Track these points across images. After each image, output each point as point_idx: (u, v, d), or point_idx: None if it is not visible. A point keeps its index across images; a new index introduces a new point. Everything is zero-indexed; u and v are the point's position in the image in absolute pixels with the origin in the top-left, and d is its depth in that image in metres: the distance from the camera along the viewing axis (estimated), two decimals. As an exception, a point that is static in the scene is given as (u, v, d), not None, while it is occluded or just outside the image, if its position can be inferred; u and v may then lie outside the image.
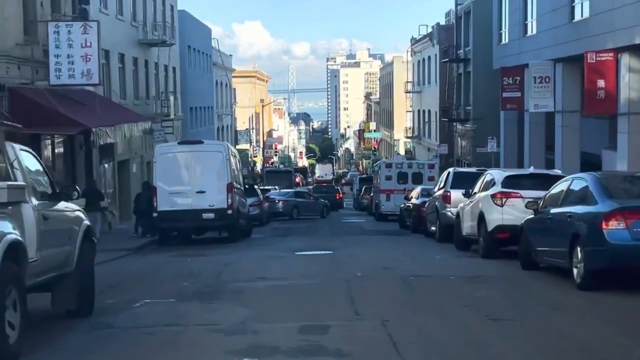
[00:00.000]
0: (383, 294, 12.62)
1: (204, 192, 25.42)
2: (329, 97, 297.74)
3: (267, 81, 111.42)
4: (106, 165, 35.12)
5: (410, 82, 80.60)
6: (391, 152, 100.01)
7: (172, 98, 42.87)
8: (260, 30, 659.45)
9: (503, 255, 18.09)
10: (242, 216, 27.76)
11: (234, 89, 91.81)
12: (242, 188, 28.91)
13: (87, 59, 25.61)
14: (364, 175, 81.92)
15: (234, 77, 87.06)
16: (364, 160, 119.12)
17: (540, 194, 17.38)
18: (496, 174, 18.92)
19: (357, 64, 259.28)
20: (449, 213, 24.00)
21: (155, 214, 25.38)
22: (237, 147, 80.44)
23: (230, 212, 25.48)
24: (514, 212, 17.67)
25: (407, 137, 79.50)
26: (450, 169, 25.34)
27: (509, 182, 18.24)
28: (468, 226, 20.08)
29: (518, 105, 40.93)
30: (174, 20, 48.84)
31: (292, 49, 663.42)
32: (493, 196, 18.09)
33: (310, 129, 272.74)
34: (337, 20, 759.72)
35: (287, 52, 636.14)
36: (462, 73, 53.51)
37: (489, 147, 36.81)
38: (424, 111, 71.22)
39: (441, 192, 25.00)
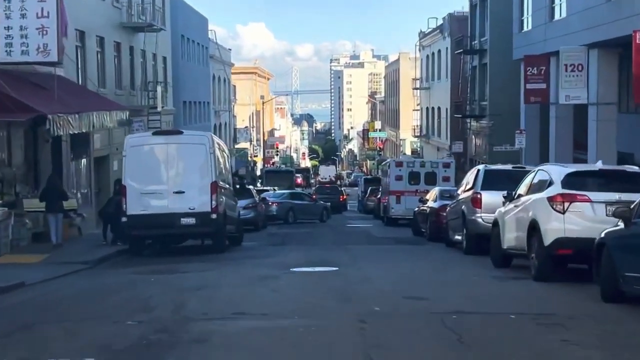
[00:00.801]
0: (417, 349, 8.13)
1: (183, 192, 20.96)
2: (332, 98, 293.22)
3: (268, 79, 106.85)
4: (81, 162, 30.69)
5: (417, 79, 76.11)
6: (397, 152, 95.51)
7: (159, 89, 38.38)
8: (264, 32, 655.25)
9: (561, 276, 13.61)
10: (230, 221, 23.29)
11: (234, 86, 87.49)
12: (231, 188, 24.42)
13: (44, 32, 21.11)
14: (369, 176, 77.43)
15: (234, 73, 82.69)
16: (369, 161, 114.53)
17: (612, 196, 12.97)
18: (553, 171, 14.27)
19: (361, 65, 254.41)
20: (480, 220, 19.53)
21: (124, 219, 20.91)
22: (236, 146, 76.10)
23: (214, 216, 21.00)
24: (580, 220, 13.15)
25: (415, 136, 74.95)
26: (480, 167, 20.77)
27: (571, 181, 13.65)
28: (512, 238, 15.56)
29: (543, 98, 36.48)
30: (165, 4, 44.31)
31: (295, 51, 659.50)
32: (551, 199, 13.49)
33: (313, 130, 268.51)
34: (340, 22, 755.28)
35: (291, 54, 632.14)
36: (477, 65, 49.00)
37: (517, 143, 32.28)
38: (433, 108, 66.74)
39: (468, 194, 20.51)
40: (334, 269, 16.38)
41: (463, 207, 20.63)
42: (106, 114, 25.52)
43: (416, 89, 72.60)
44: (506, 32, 43.42)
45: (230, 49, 74.14)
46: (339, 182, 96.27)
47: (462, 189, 22.27)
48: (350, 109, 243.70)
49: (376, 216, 48.85)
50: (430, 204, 27.56)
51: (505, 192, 16.25)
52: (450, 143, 57.77)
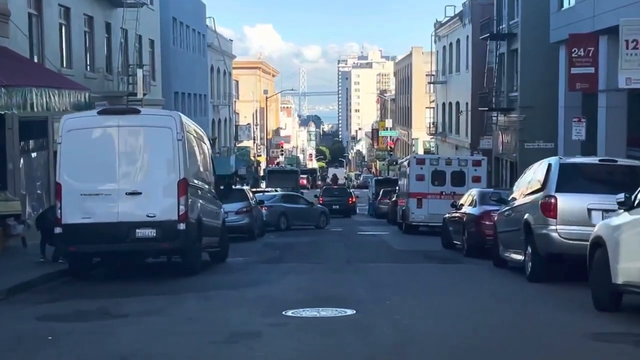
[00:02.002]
0: None
1: (140, 193, 15.04)
2: (340, 99, 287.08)
3: (274, 75, 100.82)
4: (36, 155, 24.86)
5: (431, 75, 70.08)
6: (408, 152, 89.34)
7: (140, 73, 32.42)
8: (272, 33, 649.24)
9: None
10: (209, 231, 17.37)
11: (236, 81, 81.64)
12: (212, 189, 18.43)
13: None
14: (380, 177, 71.38)
15: (236, 68, 76.88)
16: (378, 162, 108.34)
17: None
18: None
19: (369, 65, 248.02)
20: (554, 234, 13.65)
21: (57, 230, 14.98)
22: (238, 144, 70.17)
23: (182, 226, 15.05)
24: None
25: (430, 134, 68.83)
26: (552, 160, 14.70)
27: None
28: (636, 269, 9.58)
29: (591, 85, 30.51)
30: (151, -22, 38.46)
31: (303, 52, 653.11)
32: None
33: (321, 132, 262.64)
34: (348, 23, 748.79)
35: (298, 56, 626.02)
36: (506, 52, 42.97)
37: (574, 134, 26.12)
38: (450, 104, 60.68)
39: (534, 197, 14.53)
40: (350, 312, 10.40)
41: (527, 216, 14.64)
42: (53, 92, 19.59)
43: (432, 83, 66.45)
44: (540, 12, 37.45)
45: (231, 40, 68.28)
46: (337, 183, 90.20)
47: (520, 191, 16.29)
48: (358, 110, 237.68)
49: (390, 221, 42.91)
50: (467, 209, 21.57)
51: (621, 196, 10.23)
52: (471, 140, 51.75)
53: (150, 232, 14.96)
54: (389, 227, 39.18)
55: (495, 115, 43.56)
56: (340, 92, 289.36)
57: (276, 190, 47.50)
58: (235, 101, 71.54)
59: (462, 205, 22.64)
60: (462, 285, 14.06)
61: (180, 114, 15.95)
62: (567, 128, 35.20)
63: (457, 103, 57.79)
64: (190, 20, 49.67)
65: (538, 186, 14.68)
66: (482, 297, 12.37)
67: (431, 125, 68.69)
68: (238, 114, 79.31)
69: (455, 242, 22.75)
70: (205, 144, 18.64)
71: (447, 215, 23.97)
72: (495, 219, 17.87)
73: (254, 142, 79.07)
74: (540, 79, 39.55)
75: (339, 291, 12.55)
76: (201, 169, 17.48)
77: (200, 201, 16.59)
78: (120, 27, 33.22)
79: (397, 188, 40.77)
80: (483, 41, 50.33)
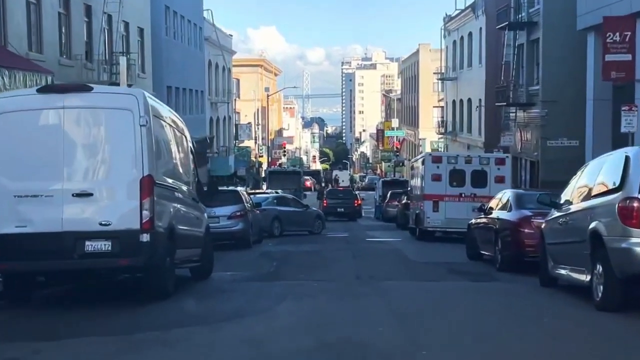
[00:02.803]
0: None
1: (90, 194, 11.49)
2: (344, 101, 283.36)
3: (276, 74, 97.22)
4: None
5: (438, 73, 66.54)
6: (415, 152, 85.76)
7: (123, 61, 28.91)
8: (275, 36, 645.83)
9: None
10: (187, 242, 13.83)
11: (237, 80, 78.14)
12: (192, 190, 14.82)
13: None
14: (387, 178, 67.79)
15: (237, 65, 73.45)
16: (383, 164, 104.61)
17: None
18: None
19: (374, 66, 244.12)
20: (639, 250, 10.08)
21: (-15, 242, 11.45)
22: (239, 144, 66.64)
23: (146, 237, 11.49)
24: None
25: (439, 134, 65.20)
26: (631, 151, 11.11)
27: None
28: None
29: (628, 73, 27.21)
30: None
31: (306, 55, 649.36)
32: None
33: (324, 134, 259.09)
34: (351, 26, 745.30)
35: (302, 58, 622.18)
36: (525, 43, 39.36)
37: (624, 126, 22.29)
38: (461, 101, 57.11)
39: (607, 200, 10.95)
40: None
41: (595, 224, 11.02)
42: (4, 72, 16.06)
43: (441, 79, 62.83)
44: (565, -3, 34.17)
45: (231, 35, 64.74)
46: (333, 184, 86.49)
47: (578, 192, 12.69)
48: (362, 112, 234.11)
49: (400, 225, 39.35)
50: (499, 214, 17.96)
51: None
52: (484, 138, 48.19)
53: (103, 245, 11.40)
54: (399, 232, 35.60)
55: (514, 111, 39.94)
56: (344, 93, 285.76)
57: (277, 192, 44.01)
58: (235, 99, 68.00)
59: (491, 209, 19.06)
60: (514, 320, 10.47)
61: (146, 93, 12.33)
62: (597, 123, 31.71)
63: (469, 100, 54.23)
64: (186, 10, 46.15)
65: (611, 185, 11.09)
66: (550, 341, 8.78)
67: (440, 125, 65.13)
68: (239, 113, 75.80)
69: (483, 252, 19.17)
70: (185, 137, 15.06)
71: (473, 221, 20.37)
72: (543, 226, 14.26)
73: (256, 143, 75.55)
74: (564, 71, 36.01)
75: (354, 331, 8.97)
76: (178, 166, 13.91)
77: (174, 205, 13.03)
78: (102, 11, 29.73)
79: (408, 189, 37.22)
80: (497, 33, 46.77)
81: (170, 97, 41.97)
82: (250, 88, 79.21)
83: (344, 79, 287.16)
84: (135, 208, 11.53)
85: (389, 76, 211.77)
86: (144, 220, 11.54)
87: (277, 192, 41.76)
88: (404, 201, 38.71)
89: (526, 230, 16.34)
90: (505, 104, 39.77)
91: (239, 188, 26.12)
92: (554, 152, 36.70)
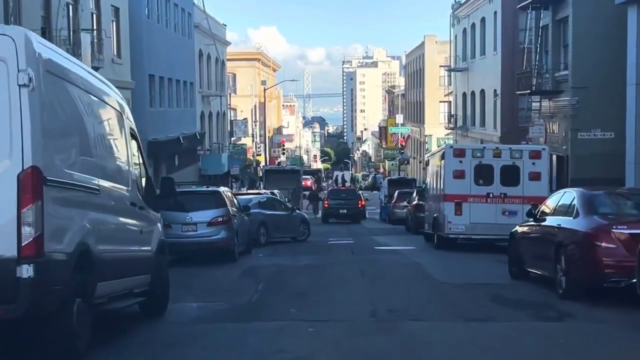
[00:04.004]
0: None
1: None
2: (345, 100, 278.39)
3: (275, 70, 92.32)
4: None
5: (448, 66, 61.83)
6: (421, 150, 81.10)
7: (87, 38, 24.20)
8: (276, 36, 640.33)
9: None
10: (124, 268, 9.21)
11: (233, 75, 73.43)
12: (129, 191, 10.05)
13: None
14: (394, 177, 63.06)
15: (233, 59, 68.75)
16: (387, 162, 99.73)
17: None
18: None
19: (375, 64, 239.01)
20: None
21: None
22: (234, 141, 61.95)
23: (27, 271, 6.87)
24: None
25: (449, 129, 60.41)
26: None
27: None
28: None
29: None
30: None
31: (307, 55, 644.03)
32: None
33: (325, 133, 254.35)
34: (352, 26, 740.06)
35: (302, 58, 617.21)
36: (550, 23, 34.63)
37: None
38: (473, 93, 52.36)
39: None
40: None
41: None
42: None
43: (450, 70, 57.99)
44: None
45: (225, 25, 59.93)
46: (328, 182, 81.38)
47: None
48: (364, 110, 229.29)
49: (411, 229, 34.70)
50: (560, 221, 13.20)
51: None
52: (500, 132, 43.50)
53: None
54: (410, 237, 30.90)
55: (538, 100, 35.18)
56: (345, 93, 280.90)
57: (273, 193, 39.32)
58: (229, 93, 63.26)
59: (544, 214, 14.34)
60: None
61: (32, 34, 7.58)
62: (638, 112, 27.17)
63: (482, 91, 49.49)
64: (172, -7, 41.49)
65: None
66: None
67: (449, 119, 60.40)
68: (235, 109, 71.11)
69: (532, 270, 14.47)
70: (123, 116, 10.36)
71: (518, 230, 15.62)
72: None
73: (253, 141, 70.82)
74: (598, 53, 31.42)
75: None
76: (104, 156, 9.18)
77: (93, 215, 8.33)
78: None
79: (422, 187, 32.50)
80: (515, 17, 42.22)
81: (153, 87, 37.29)
82: (247, 83, 74.45)
83: (344, 77, 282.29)
84: (8, 223, 6.88)
85: (391, 74, 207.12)
86: (24, 243, 6.90)
87: (272, 193, 37.14)
88: (415, 202, 34.04)
89: (604, 245, 11.65)
90: (528, 91, 35.00)
91: (222, 188, 21.34)
92: (586, 146, 32.07)
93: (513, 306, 11.92)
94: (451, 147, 23.72)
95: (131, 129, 10.56)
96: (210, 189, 21.17)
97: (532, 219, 14.82)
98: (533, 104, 35.98)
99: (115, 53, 31.53)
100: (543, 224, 14.09)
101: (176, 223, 19.63)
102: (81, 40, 24.12)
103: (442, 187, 23.43)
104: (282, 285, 14.62)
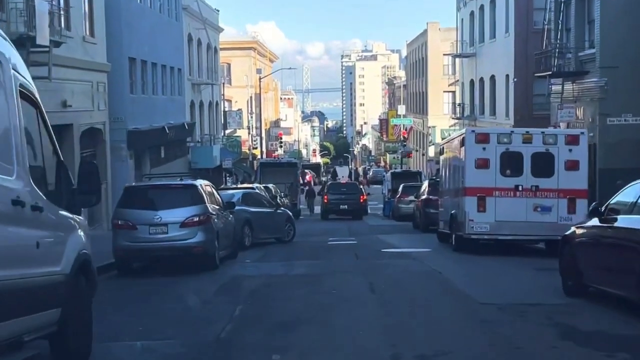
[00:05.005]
0: None
1: None
2: (344, 94, 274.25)
3: (272, 60, 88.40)
4: None
5: (453, 54, 58.07)
6: (424, 142, 77.44)
7: (44, 7, 20.44)
8: (275, 31, 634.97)
9: None
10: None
11: (228, 65, 69.69)
12: (24, 184, 6.40)
13: None
14: (397, 170, 59.37)
15: (228, 48, 65.05)
16: (388, 155, 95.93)
17: None
18: None
19: (374, 57, 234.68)
20: None
21: None
22: (228, 133, 58.22)
23: None
24: None
25: (455, 118, 56.66)
26: None
27: None
28: None
29: None
30: None
31: (306, 50, 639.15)
32: None
33: (325, 128, 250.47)
34: (351, 21, 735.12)
35: (301, 53, 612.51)
36: (573, -3, 30.92)
37: None
38: (481, 80, 48.63)
39: None
40: None
41: None
42: None
43: (457, 56, 54.16)
44: None
45: (217, 10, 56.12)
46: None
47: None
48: (363, 104, 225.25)
49: (417, 226, 31.14)
50: (645, 222, 9.54)
51: None
52: (514, 121, 39.76)
53: None
54: (420, 236, 27.28)
55: (560, 83, 31.42)
56: (344, 87, 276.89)
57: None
58: (223, 83, 59.48)
59: (613, 211, 10.66)
60: None
61: None
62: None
63: (492, 77, 45.76)
64: (155, -31, 37.70)
65: None
66: None
67: (455, 109, 56.67)
68: (230, 101, 67.34)
69: (597, 286, 10.81)
70: (14, 72, 6.62)
71: (576, 231, 11.90)
72: None
73: (249, 133, 67.08)
74: (627, 30, 27.81)
75: None
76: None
77: None
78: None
79: (434, 179, 28.79)
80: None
81: (135, 72, 33.52)
82: (243, 73, 70.67)
83: (344, 71, 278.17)
84: None
85: (391, 67, 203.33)
86: None
87: (247, 188, 33.49)
88: (424, 196, 30.38)
89: None
90: (549, 73, 31.23)
91: (199, 182, 17.55)
92: (616, 132, 28.37)
93: (594, 345, 8.23)
94: (473, 131, 19.93)
95: (23, 87, 6.83)
96: (184, 182, 17.38)
97: (596, 218, 11.12)
98: (554, 87, 32.24)
99: (87, 32, 27.80)
100: (616, 225, 10.40)
101: (142, 224, 15.97)
102: (36, 9, 20.33)
103: (461, 178, 19.72)
104: (267, 309, 10.90)
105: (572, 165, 18.97)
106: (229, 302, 11.71)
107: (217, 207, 17.86)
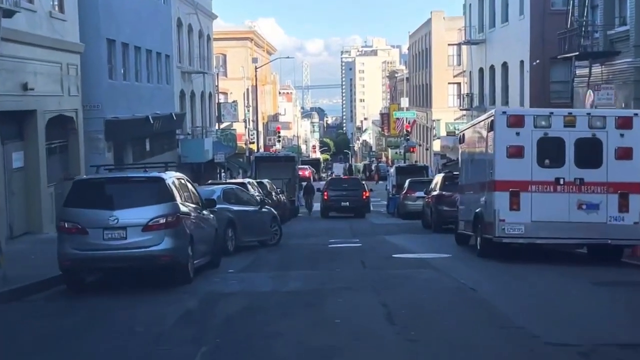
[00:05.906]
0: None
1: None
2: (344, 90, 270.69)
3: (270, 53, 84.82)
4: None
5: (456, 43, 54.62)
6: (427, 136, 73.99)
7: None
8: (274, 27, 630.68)
9: None
10: None
11: (223, 56, 66.32)
12: None
13: None
14: (403, 164, 55.85)
15: (223, 39, 61.74)
16: (390, 150, 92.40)
17: None
18: None
19: (374, 52, 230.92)
20: None
21: None
22: (223, 125, 54.79)
23: None
24: None
25: (463, 109, 53.11)
26: None
27: None
28: None
29: None
30: None
31: (306, 46, 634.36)
32: None
33: (324, 124, 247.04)
34: (351, 17, 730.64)
35: (301, 49, 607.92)
36: (601, -31, 27.42)
37: None
38: (492, 67, 45.11)
39: None
40: None
41: None
42: None
43: (465, 43, 50.55)
44: None
45: (211, -4, 52.62)
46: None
47: None
48: (363, 100, 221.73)
49: (427, 225, 27.75)
50: None
51: None
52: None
53: None
54: (432, 237, 23.87)
55: (586, 65, 27.94)
56: (344, 83, 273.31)
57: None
58: (217, 73, 55.98)
59: None
60: None
61: None
62: None
63: (504, 64, 42.27)
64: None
65: None
66: None
67: (462, 100, 53.15)
68: (225, 93, 63.97)
69: None
70: None
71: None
72: None
73: (246, 127, 63.63)
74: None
75: None
76: None
77: None
78: None
79: (448, 172, 25.33)
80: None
81: (114, 55, 30.03)
82: (239, 65, 67.20)
83: (343, 67, 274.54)
84: None
85: (391, 62, 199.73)
86: None
87: (227, 180, 30.15)
88: (435, 192, 26.97)
89: None
90: (576, 54, 27.74)
91: (169, 174, 13.98)
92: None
93: None
94: (504, 112, 16.38)
95: None
96: (148, 174, 13.81)
97: None
98: (578, 70, 28.76)
99: (56, 7, 24.37)
100: None
101: (95, 227, 12.48)
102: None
103: (489, 170, 16.25)
104: (241, 356, 7.44)
105: (624, 154, 15.53)
106: (191, 340, 8.25)
107: (192, 205, 14.39)
